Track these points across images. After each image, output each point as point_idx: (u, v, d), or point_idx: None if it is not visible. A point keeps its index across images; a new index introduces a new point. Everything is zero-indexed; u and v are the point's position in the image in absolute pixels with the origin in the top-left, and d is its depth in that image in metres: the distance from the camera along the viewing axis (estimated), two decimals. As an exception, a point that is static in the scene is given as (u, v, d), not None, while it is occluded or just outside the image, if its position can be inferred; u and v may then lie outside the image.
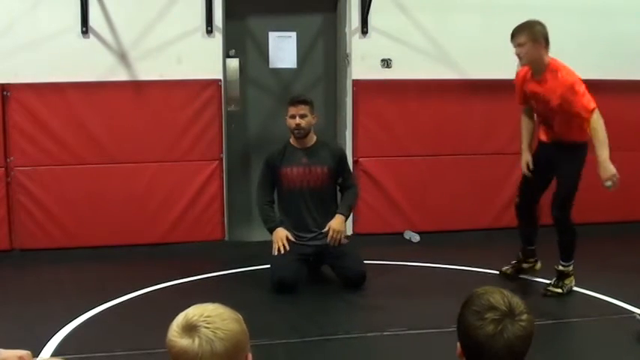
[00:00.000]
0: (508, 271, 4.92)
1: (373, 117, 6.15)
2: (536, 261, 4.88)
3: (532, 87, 4.51)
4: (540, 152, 4.66)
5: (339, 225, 4.89)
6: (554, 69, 4.34)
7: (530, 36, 4.32)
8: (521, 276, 4.89)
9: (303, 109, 4.88)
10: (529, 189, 4.73)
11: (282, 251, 4.78)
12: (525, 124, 4.76)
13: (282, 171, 4.92)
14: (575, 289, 4.59)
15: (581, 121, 4.31)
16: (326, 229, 4.87)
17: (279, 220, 4.97)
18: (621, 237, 6.13)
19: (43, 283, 5.07)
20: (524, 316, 1.68)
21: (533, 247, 4.84)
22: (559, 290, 4.50)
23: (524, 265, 4.89)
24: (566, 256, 4.53)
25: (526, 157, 4.66)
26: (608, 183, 4.25)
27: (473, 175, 6.34)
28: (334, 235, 4.85)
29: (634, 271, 5.07)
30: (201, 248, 5.83)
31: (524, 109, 4.76)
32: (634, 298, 4.33)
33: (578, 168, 4.46)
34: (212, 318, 1.55)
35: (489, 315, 1.66)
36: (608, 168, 4.21)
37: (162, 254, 5.66)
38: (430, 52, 6.23)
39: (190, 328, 1.54)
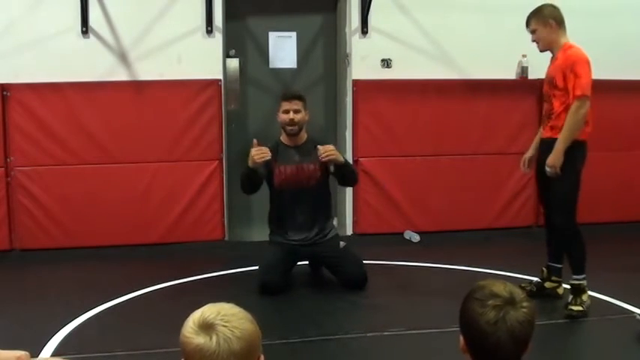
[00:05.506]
0: (527, 288, 4.40)
1: (373, 117, 6.15)
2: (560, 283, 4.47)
3: (547, 71, 4.38)
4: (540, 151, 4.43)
5: (332, 148, 4.65)
6: (567, 48, 4.22)
7: (540, 20, 4.26)
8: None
9: (297, 105, 4.75)
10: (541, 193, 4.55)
11: (262, 157, 4.53)
12: None
13: (275, 169, 4.77)
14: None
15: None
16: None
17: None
18: (621, 237, 6.13)
19: (43, 283, 5.07)
20: (525, 304, 1.71)
21: (558, 265, 4.45)
22: (580, 308, 4.09)
23: (547, 285, 4.48)
24: (576, 268, 4.20)
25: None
26: (549, 169, 4.11)
27: (473, 175, 6.34)
28: (327, 150, 4.59)
29: (634, 271, 5.07)
30: (201, 248, 5.82)
31: None
32: (634, 298, 4.33)
33: (577, 169, 4.18)
34: (229, 317, 1.55)
35: (491, 302, 1.69)
36: (559, 158, 4.07)
37: (162, 254, 5.66)
38: (430, 52, 6.23)
39: (207, 327, 1.53)
